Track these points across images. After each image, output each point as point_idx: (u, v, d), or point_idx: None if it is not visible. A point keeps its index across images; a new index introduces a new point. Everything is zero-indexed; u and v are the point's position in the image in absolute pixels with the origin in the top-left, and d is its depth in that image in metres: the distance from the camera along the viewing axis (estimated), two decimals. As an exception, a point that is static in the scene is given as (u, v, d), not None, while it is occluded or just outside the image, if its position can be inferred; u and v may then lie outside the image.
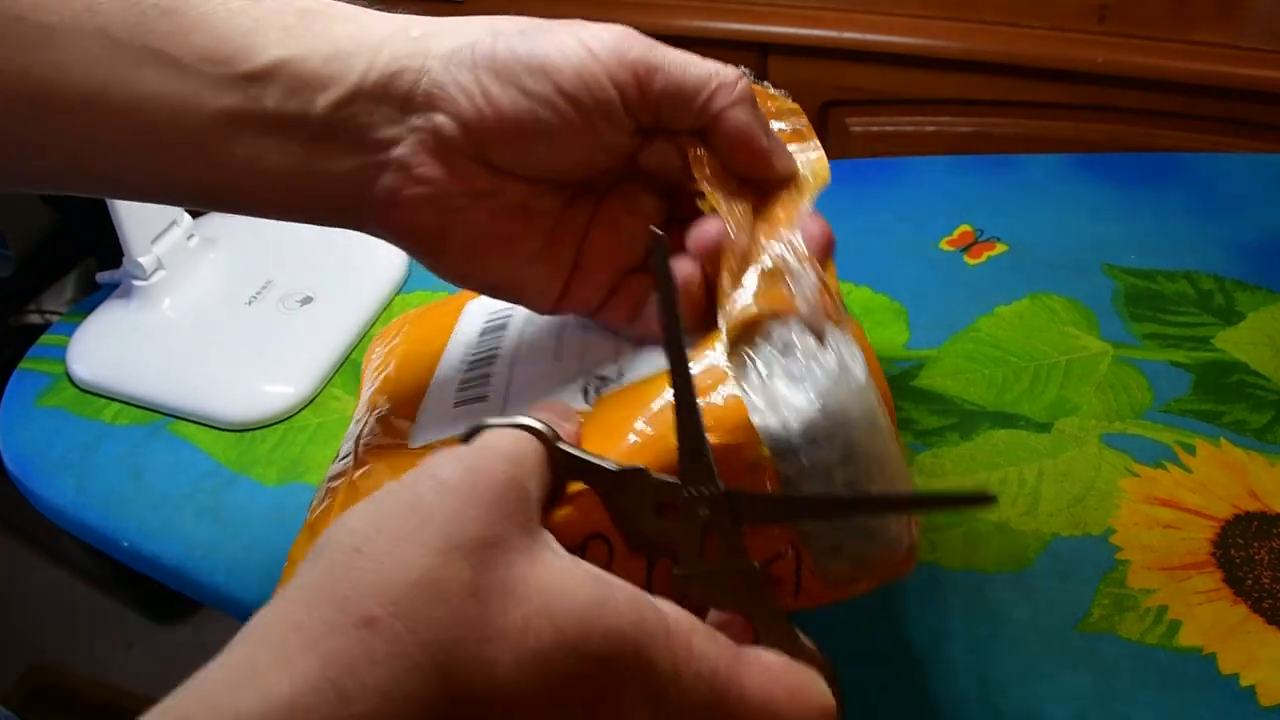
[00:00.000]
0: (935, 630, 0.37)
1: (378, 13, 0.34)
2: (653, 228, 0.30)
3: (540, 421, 0.30)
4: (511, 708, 0.25)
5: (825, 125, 1.16)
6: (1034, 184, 0.61)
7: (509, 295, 0.37)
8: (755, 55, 1.12)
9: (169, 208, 0.57)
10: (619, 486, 0.30)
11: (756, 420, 0.31)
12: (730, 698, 0.27)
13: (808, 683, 0.29)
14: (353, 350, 0.54)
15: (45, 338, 0.58)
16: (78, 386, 0.53)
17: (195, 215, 0.59)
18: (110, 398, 0.52)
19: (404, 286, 0.58)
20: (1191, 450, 0.44)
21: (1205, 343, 0.49)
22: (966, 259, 0.56)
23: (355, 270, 0.58)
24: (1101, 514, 0.41)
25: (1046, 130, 1.06)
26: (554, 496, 0.31)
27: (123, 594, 1.25)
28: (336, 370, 0.53)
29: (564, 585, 0.26)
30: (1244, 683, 0.35)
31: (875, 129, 1.13)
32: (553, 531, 0.29)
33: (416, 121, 0.33)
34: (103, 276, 0.58)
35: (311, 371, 0.52)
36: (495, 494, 0.27)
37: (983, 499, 0.27)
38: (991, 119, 1.07)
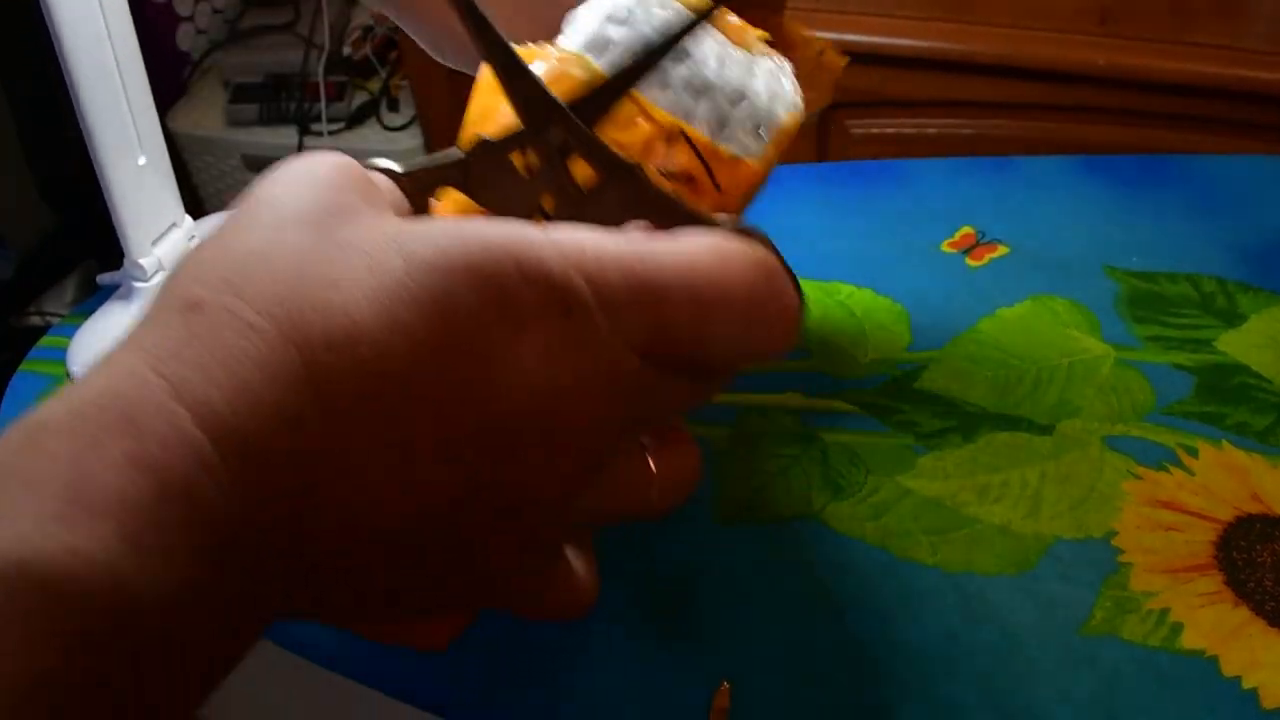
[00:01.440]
0: (936, 633, 0.37)
1: None
2: None
3: (377, 164, 0.28)
4: (383, 346, 0.21)
5: (827, 128, 1.16)
6: (1036, 186, 0.61)
7: None
8: (756, 57, 1.12)
9: (170, 208, 0.57)
10: (474, 170, 0.28)
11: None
12: (648, 274, 0.23)
13: (730, 245, 0.24)
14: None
15: (46, 340, 0.58)
16: (78, 388, 0.53)
17: (196, 217, 0.59)
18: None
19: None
20: (1194, 453, 0.44)
21: (1207, 345, 0.49)
22: (968, 261, 0.55)
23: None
24: (1103, 516, 0.41)
25: (1048, 132, 1.06)
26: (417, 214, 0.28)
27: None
28: (337, 372, 0.53)
29: (415, 224, 0.23)
30: (1246, 685, 0.35)
31: (876, 131, 1.13)
32: None
33: None
34: (104, 278, 0.58)
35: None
36: (336, 175, 0.25)
37: None
38: (993, 121, 1.07)
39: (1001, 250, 0.56)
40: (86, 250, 1.33)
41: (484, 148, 0.28)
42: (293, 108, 1.32)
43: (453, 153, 0.28)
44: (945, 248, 0.56)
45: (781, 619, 0.38)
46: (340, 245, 0.22)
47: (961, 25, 1.06)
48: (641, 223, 0.26)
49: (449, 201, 0.29)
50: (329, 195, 0.24)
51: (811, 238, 0.58)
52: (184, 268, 0.22)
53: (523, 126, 0.27)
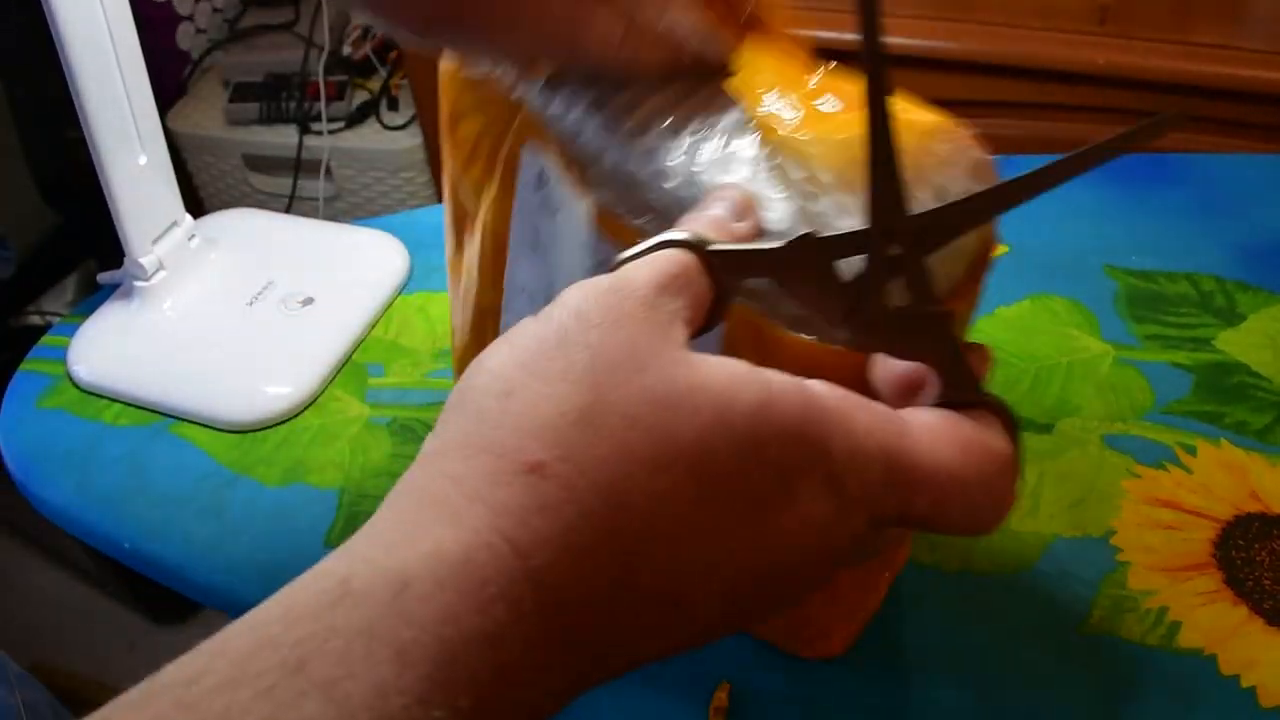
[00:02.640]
0: (936, 632, 0.37)
1: None
2: None
3: (684, 231, 0.28)
4: (696, 526, 0.23)
5: (826, 126, 1.16)
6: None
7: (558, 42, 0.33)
8: (756, 56, 1.13)
9: (171, 208, 0.57)
10: (792, 261, 0.27)
11: None
12: (904, 470, 0.25)
13: (978, 434, 0.27)
14: (353, 351, 0.54)
15: (46, 339, 0.58)
16: (79, 387, 0.53)
17: (196, 216, 0.59)
18: (111, 399, 0.52)
19: (405, 287, 0.58)
20: (1192, 451, 0.44)
21: (1206, 344, 0.49)
22: (967, 260, 0.56)
23: (355, 271, 0.58)
24: (1102, 515, 0.41)
25: (1047, 131, 1.06)
26: (721, 306, 0.28)
27: (123, 594, 1.25)
28: (337, 371, 0.53)
29: (727, 387, 0.24)
30: (1244, 684, 0.35)
31: (876, 130, 1.13)
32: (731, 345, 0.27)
33: None
34: (104, 277, 0.58)
35: (312, 372, 0.52)
36: (639, 314, 0.26)
37: (1167, 121, 0.25)
38: (992, 120, 1.07)
39: (1001, 249, 0.56)
40: (87, 250, 1.33)
41: (810, 245, 0.27)
42: (293, 107, 1.32)
43: (769, 242, 0.28)
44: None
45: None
46: (663, 408, 0.24)
47: (961, 25, 1.06)
48: (910, 365, 0.28)
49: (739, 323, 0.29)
50: (639, 344, 0.25)
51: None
52: (510, 413, 0.23)
53: (867, 237, 0.27)
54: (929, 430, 0.26)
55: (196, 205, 1.40)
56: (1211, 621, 0.37)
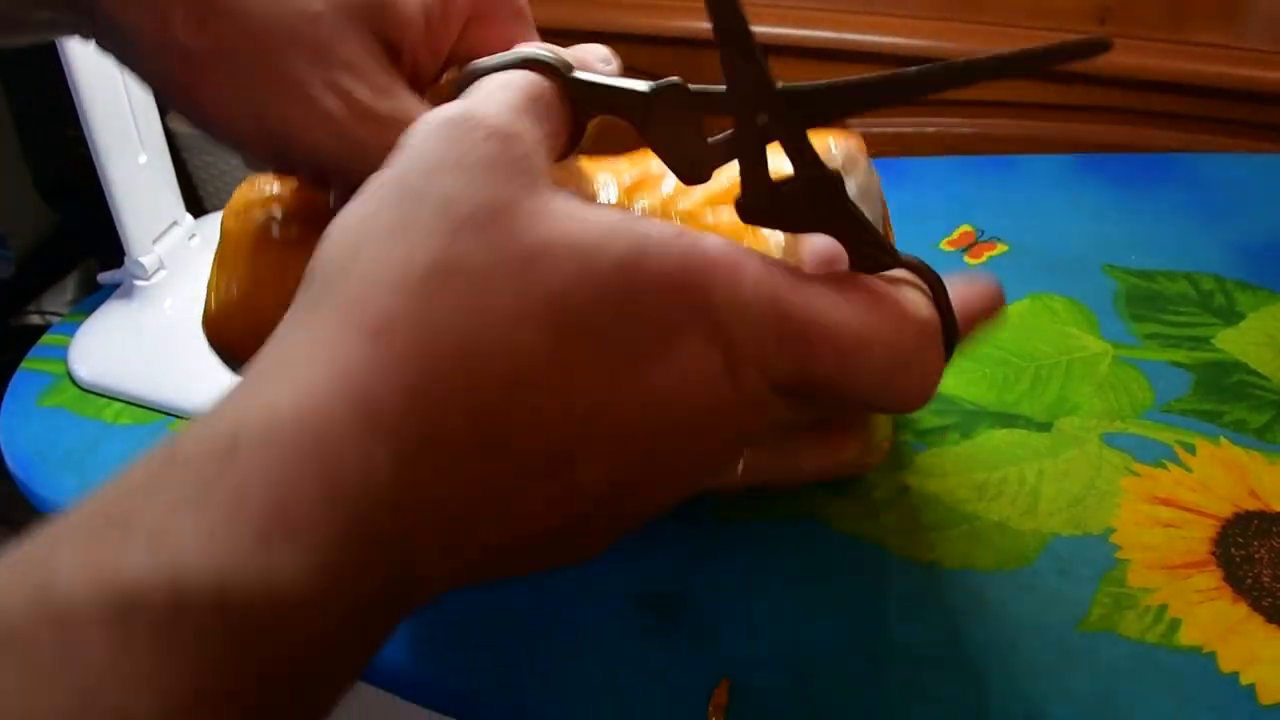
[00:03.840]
0: (934, 630, 0.37)
1: None
2: None
3: (545, 50, 0.27)
4: (561, 383, 0.22)
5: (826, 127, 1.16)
6: (1035, 184, 0.61)
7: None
8: (755, 56, 1.13)
9: (171, 207, 0.57)
10: (654, 109, 0.26)
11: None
12: (798, 319, 0.24)
13: (889, 292, 0.25)
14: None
15: (47, 338, 0.58)
16: (79, 386, 0.53)
17: (196, 215, 0.60)
18: (112, 397, 0.53)
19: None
20: (1192, 450, 0.44)
21: (1206, 343, 0.49)
22: (967, 259, 0.56)
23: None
24: (1102, 513, 0.41)
25: (1047, 131, 1.06)
26: (575, 139, 0.27)
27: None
28: (337, 370, 0.53)
29: (596, 236, 0.22)
30: (1244, 681, 0.35)
31: (875, 130, 1.14)
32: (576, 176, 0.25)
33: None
34: (104, 277, 0.58)
35: (312, 371, 0.52)
36: (489, 155, 0.23)
37: (1094, 45, 0.23)
38: (992, 120, 1.07)
39: (1000, 248, 0.56)
40: (87, 249, 1.34)
41: (675, 92, 0.26)
42: (292, 107, 1.32)
43: (636, 82, 0.26)
44: (944, 246, 0.57)
45: (780, 616, 0.38)
46: (522, 260, 0.22)
47: (960, 24, 1.06)
48: (825, 239, 0.26)
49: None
50: (493, 188, 0.23)
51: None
52: (356, 267, 0.22)
53: (730, 94, 0.25)
54: (830, 285, 0.24)
55: (197, 205, 1.40)
56: (1211, 619, 0.37)
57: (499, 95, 0.25)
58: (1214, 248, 0.55)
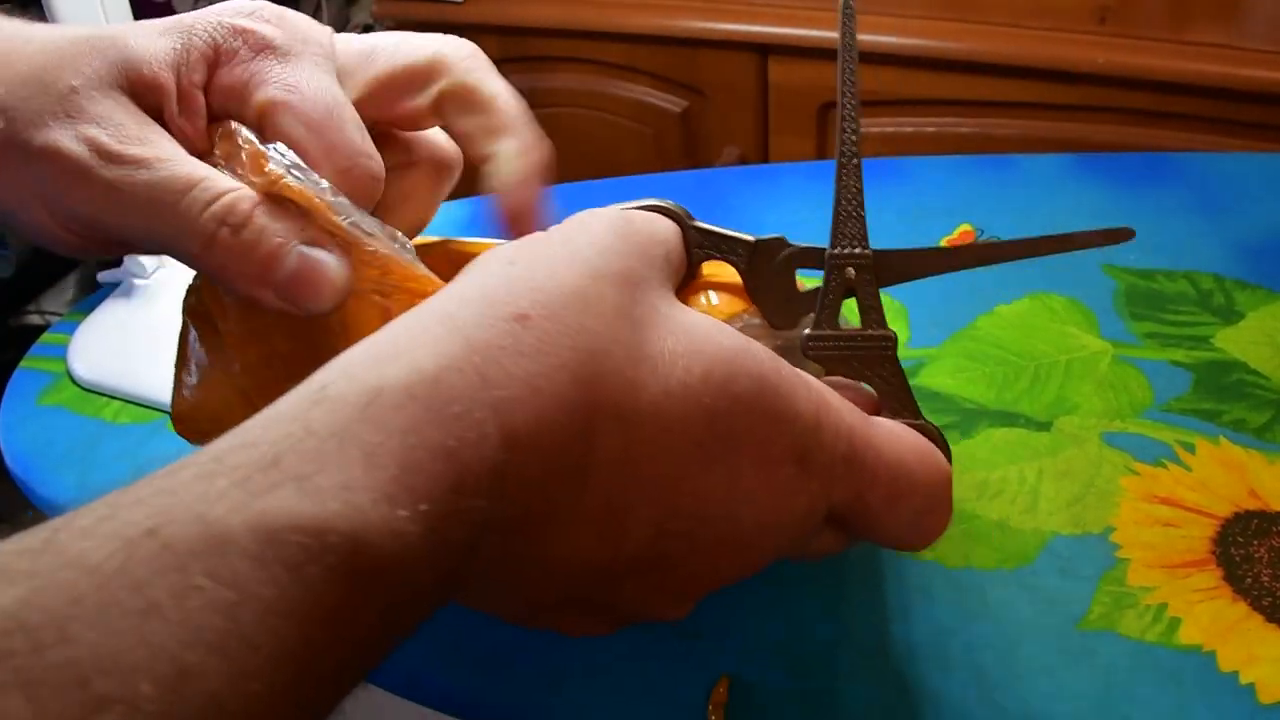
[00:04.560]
0: (934, 628, 0.37)
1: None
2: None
3: (670, 203, 0.31)
4: (655, 435, 0.24)
5: (825, 126, 1.16)
6: (1034, 184, 0.61)
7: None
8: (755, 55, 1.13)
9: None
10: (758, 256, 0.31)
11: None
12: (867, 456, 0.27)
13: (929, 448, 0.29)
14: (353, 349, 0.54)
15: (46, 336, 0.58)
16: (79, 385, 0.53)
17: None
18: (111, 396, 0.53)
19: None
20: (1191, 449, 0.44)
21: (1205, 342, 0.49)
22: (966, 258, 0.56)
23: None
24: (1101, 512, 0.41)
25: (1047, 130, 1.06)
26: (688, 277, 0.31)
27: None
28: (337, 369, 0.53)
29: (708, 329, 0.26)
30: (1243, 680, 0.35)
31: (875, 130, 1.14)
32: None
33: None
34: (104, 275, 0.58)
35: (312, 370, 0.52)
36: (641, 243, 0.28)
37: (1122, 233, 0.30)
38: (992, 119, 1.08)
39: (1000, 248, 0.56)
40: (86, 249, 1.33)
41: (776, 244, 0.31)
42: (293, 107, 1.32)
43: (743, 234, 0.31)
44: (944, 245, 0.57)
45: (780, 614, 0.38)
46: (649, 320, 0.26)
47: (960, 24, 1.06)
48: (868, 390, 0.31)
49: (723, 280, 0.32)
50: (638, 263, 0.27)
51: (809, 235, 0.58)
52: (509, 273, 0.25)
53: (828, 257, 0.30)
54: (891, 432, 0.28)
55: (196, 205, 1.40)
56: (1210, 618, 0.37)
57: (647, 217, 0.30)
58: (1213, 247, 0.55)
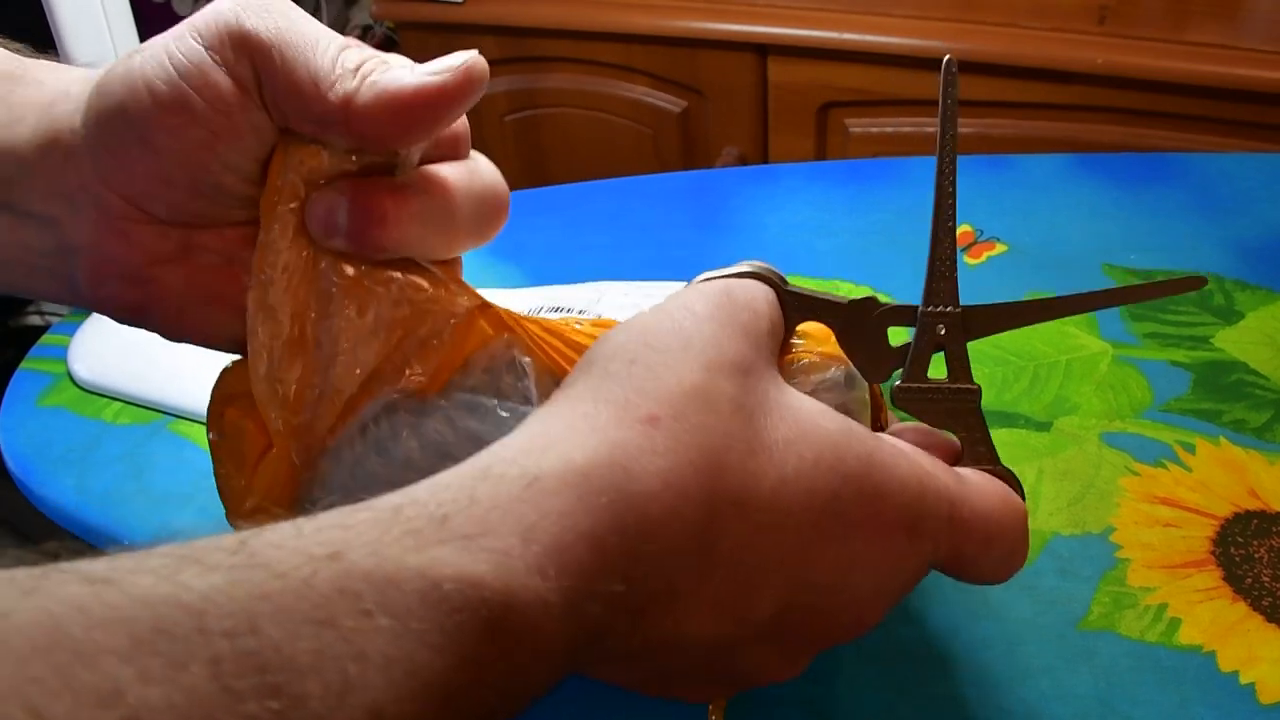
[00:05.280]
0: (934, 628, 0.37)
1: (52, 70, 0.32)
2: (949, 57, 0.32)
3: (763, 267, 0.32)
4: (775, 520, 0.26)
5: (824, 126, 1.16)
6: (1034, 184, 0.61)
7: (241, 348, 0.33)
8: (755, 55, 1.13)
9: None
10: (851, 317, 0.32)
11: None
12: (964, 513, 0.29)
13: (1010, 494, 0.31)
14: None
15: (47, 337, 0.58)
16: (79, 386, 0.53)
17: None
18: (111, 397, 0.53)
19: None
20: (1191, 449, 0.44)
21: (1205, 342, 0.49)
22: (966, 259, 0.56)
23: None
24: (1101, 512, 0.41)
25: (1046, 131, 1.06)
26: (786, 338, 0.32)
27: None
28: (337, 370, 0.53)
29: (813, 414, 0.28)
30: (1243, 680, 0.35)
31: (874, 130, 1.14)
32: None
33: (76, 193, 0.30)
34: (103, 276, 0.58)
35: (312, 371, 0.52)
36: (745, 325, 0.29)
37: (1194, 282, 0.32)
38: (991, 120, 1.08)
39: (1000, 248, 0.56)
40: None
41: (867, 304, 0.32)
42: (292, 107, 1.32)
43: (838, 296, 0.32)
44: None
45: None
46: (761, 410, 0.28)
47: (959, 24, 1.06)
48: (951, 439, 0.33)
49: (819, 338, 0.33)
50: (748, 348, 0.29)
51: (809, 235, 0.58)
52: (634, 373, 0.27)
53: (920, 315, 0.32)
54: (977, 482, 0.31)
55: (196, 205, 1.39)
56: (1210, 618, 0.37)
57: (749, 289, 0.31)
58: (1213, 247, 0.55)
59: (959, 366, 0.32)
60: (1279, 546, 0.40)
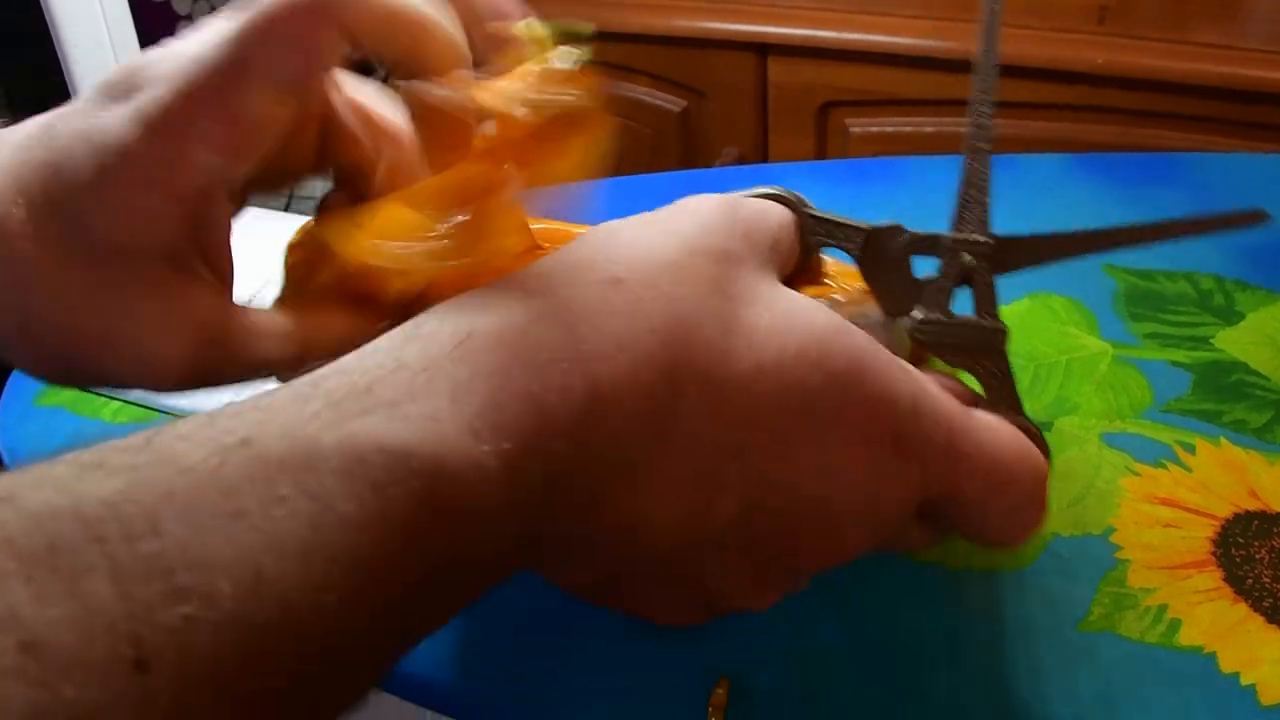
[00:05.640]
0: (934, 629, 0.37)
1: None
2: None
3: (785, 190, 0.30)
4: (746, 406, 0.24)
5: (824, 125, 1.16)
6: (1034, 184, 0.61)
7: None
8: (755, 55, 1.13)
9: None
10: (872, 243, 0.30)
11: None
12: (965, 445, 0.27)
13: (1028, 444, 0.29)
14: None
15: (44, 337, 0.58)
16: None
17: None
18: (110, 396, 0.52)
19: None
20: (1191, 449, 0.44)
21: (1205, 342, 0.49)
22: (966, 259, 0.55)
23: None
24: (1101, 513, 0.41)
25: (1046, 131, 1.06)
26: (801, 266, 0.31)
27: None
28: (336, 369, 0.53)
29: (805, 308, 0.26)
30: (1244, 681, 0.35)
31: (874, 129, 1.14)
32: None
33: None
34: (102, 275, 0.58)
35: (311, 370, 0.52)
36: (746, 227, 0.28)
37: (1256, 216, 0.29)
38: (991, 119, 1.07)
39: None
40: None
41: (892, 231, 0.30)
42: (291, 106, 1.32)
43: (861, 221, 0.30)
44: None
45: (780, 614, 0.38)
46: (746, 296, 0.25)
47: (959, 23, 1.06)
48: (967, 386, 0.30)
49: (852, 276, 0.31)
50: (740, 244, 0.27)
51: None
52: (608, 241, 0.25)
53: (947, 242, 0.30)
54: (990, 424, 0.28)
55: (195, 205, 1.39)
56: (1211, 619, 0.37)
57: (761, 206, 0.29)
58: (1213, 247, 0.55)
59: (986, 302, 0.30)
60: (1279, 547, 0.39)
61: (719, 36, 1.13)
